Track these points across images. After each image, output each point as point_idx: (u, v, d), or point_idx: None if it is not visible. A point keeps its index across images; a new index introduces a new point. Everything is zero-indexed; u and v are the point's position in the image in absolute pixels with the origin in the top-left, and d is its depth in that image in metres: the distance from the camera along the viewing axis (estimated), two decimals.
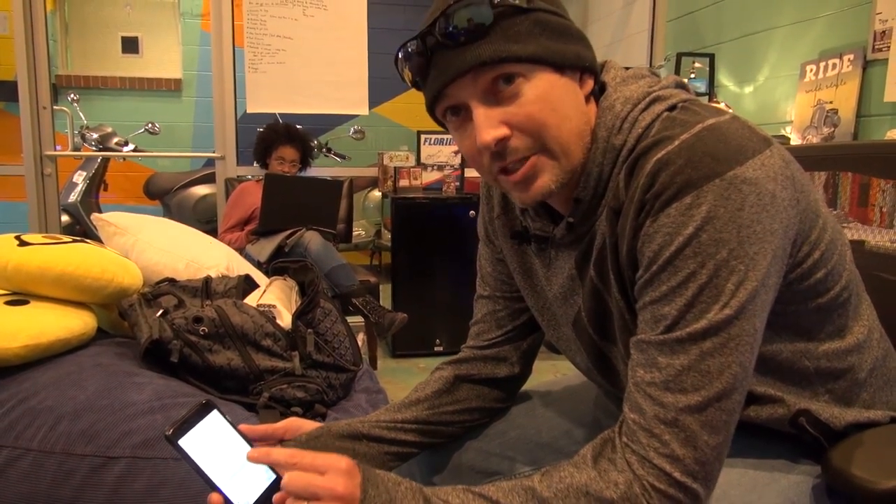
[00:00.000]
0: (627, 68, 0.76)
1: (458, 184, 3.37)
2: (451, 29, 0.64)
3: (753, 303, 0.61)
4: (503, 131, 0.66)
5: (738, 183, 0.60)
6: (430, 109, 0.72)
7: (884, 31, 2.25)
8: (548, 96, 0.66)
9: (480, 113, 0.66)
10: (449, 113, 0.70)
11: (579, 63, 0.69)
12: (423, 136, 3.45)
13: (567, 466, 0.66)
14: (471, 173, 3.45)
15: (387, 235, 4.86)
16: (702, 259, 0.60)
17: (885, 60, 2.23)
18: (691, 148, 0.61)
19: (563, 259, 0.79)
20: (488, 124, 0.66)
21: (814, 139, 2.50)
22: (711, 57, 3.13)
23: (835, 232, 0.72)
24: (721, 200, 0.60)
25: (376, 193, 5.11)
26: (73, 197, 4.09)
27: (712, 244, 0.60)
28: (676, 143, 0.62)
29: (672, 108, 0.68)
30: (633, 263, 0.67)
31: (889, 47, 2.21)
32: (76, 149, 4.13)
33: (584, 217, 0.73)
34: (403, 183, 3.39)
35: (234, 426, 0.73)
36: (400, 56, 0.70)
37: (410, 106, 5.19)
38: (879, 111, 2.29)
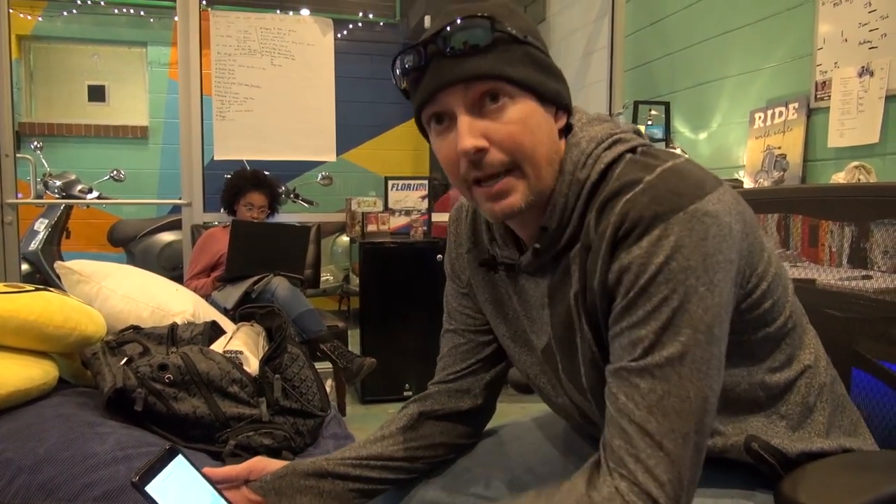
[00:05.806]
0: None
1: (425, 228, 3.41)
2: (451, 41, 0.70)
3: (720, 328, 0.67)
4: (483, 142, 0.71)
5: (699, 215, 0.66)
6: (417, 113, 0.76)
7: (824, 82, 2.39)
8: (528, 120, 0.72)
9: (465, 121, 0.71)
10: (433, 120, 0.75)
11: (558, 99, 0.76)
12: (390, 182, 3.49)
13: (561, 493, 0.68)
14: (438, 218, 3.49)
15: (355, 280, 4.84)
16: (673, 285, 0.65)
17: (827, 108, 2.36)
18: (655, 187, 0.68)
19: (533, 288, 0.83)
20: (470, 133, 0.71)
21: (765, 182, 2.61)
22: (667, 105, 3.27)
23: (778, 266, 0.77)
24: (686, 231, 0.65)
25: (344, 239, 5.12)
26: (34, 245, 4.02)
27: (681, 271, 0.65)
28: (642, 184, 0.69)
29: (633, 150, 0.75)
30: (605, 295, 0.71)
31: (830, 96, 2.35)
32: (38, 196, 4.07)
33: (549, 245, 0.77)
34: (371, 228, 3.41)
35: (199, 470, 0.73)
36: (398, 59, 0.75)
37: (378, 152, 5.25)
38: (824, 156, 2.41)
